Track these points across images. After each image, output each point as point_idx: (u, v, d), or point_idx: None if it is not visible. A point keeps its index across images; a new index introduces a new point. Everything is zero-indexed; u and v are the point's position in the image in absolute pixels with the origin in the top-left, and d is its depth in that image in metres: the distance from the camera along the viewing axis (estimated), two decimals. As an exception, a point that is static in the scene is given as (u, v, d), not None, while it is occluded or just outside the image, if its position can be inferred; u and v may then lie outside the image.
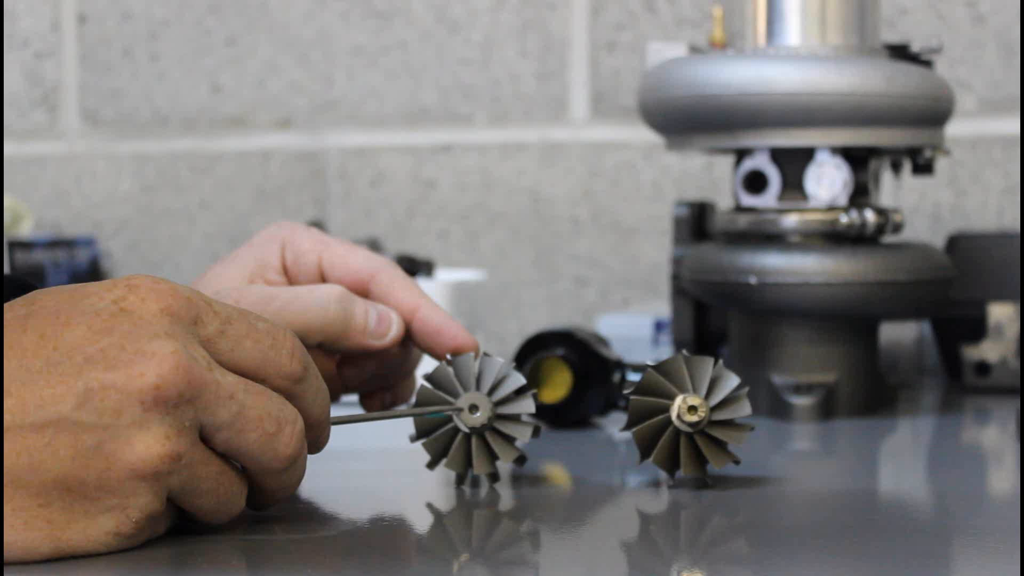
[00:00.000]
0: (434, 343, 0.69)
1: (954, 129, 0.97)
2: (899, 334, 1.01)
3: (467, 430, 0.62)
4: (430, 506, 0.62)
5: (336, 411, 0.59)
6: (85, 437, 0.49)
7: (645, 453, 0.63)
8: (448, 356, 0.64)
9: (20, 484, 0.48)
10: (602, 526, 0.59)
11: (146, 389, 0.49)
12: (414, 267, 1.04)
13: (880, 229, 0.87)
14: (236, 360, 0.52)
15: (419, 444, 0.64)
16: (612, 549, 0.55)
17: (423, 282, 0.99)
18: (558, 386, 0.80)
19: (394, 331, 0.69)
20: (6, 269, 1.19)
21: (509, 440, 0.63)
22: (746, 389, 0.63)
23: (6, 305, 0.51)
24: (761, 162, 0.88)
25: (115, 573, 0.48)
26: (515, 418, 0.63)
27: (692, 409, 0.62)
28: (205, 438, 0.51)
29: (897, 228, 0.89)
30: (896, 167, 0.93)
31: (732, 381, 0.63)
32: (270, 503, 0.55)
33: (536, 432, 0.63)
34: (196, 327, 0.52)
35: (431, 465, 0.63)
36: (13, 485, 0.48)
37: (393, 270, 0.71)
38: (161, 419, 0.49)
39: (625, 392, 0.64)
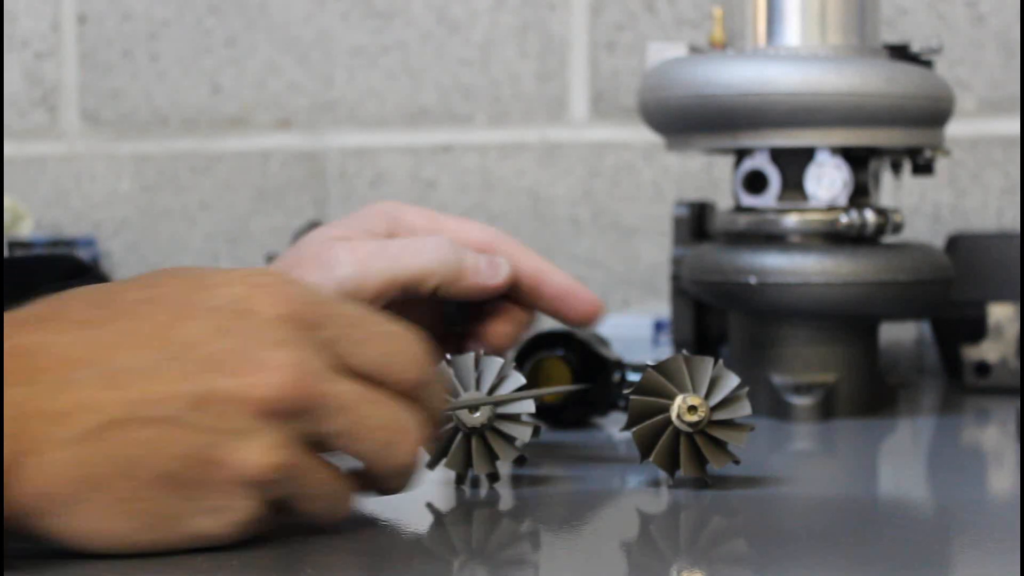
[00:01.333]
0: (564, 306, 0.71)
1: (954, 129, 0.97)
2: (899, 334, 1.02)
3: (467, 430, 0.62)
4: (430, 506, 0.62)
5: None
6: (195, 439, 0.48)
7: (645, 453, 0.63)
8: (447, 356, 0.64)
9: (127, 476, 0.48)
10: (602, 526, 0.59)
11: (259, 401, 0.49)
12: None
13: (880, 229, 0.87)
14: (356, 364, 0.52)
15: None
16: (612, 549, 0.55)
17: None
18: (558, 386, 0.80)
19: (505, 269, 0.70)
20: (6, 269, 1.19)
21: (509, 440, 0.63)
22: (746, 389, 0.63)
23: (132, 283, 0.51)
24: (761, 162, 0.88)
25: (114, 573, 0.48)
26: (515, 418, 0.63)
27: (692, 409, 0.62)
28: (318, 445, 0.51)
29: (897, 228, 0.89)
30: (896, 167, 0.93)
31: (732, 381, 0.63)
32: (378, 496, 0.56)
33: (536, 432, 0.63)
34: (316, 331, 0.51)
35: (431, 465, 0.63)
36: (120, 476, 0.48)
37: (510, 239, 0.72)
38: (270, 429, 0.49)
39: (625, 392, 0.64)
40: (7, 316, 0.49)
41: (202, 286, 0.51)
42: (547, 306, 0.71)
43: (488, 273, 0.69)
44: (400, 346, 0.53)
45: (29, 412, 0.47)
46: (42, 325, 0.49)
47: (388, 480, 0.54)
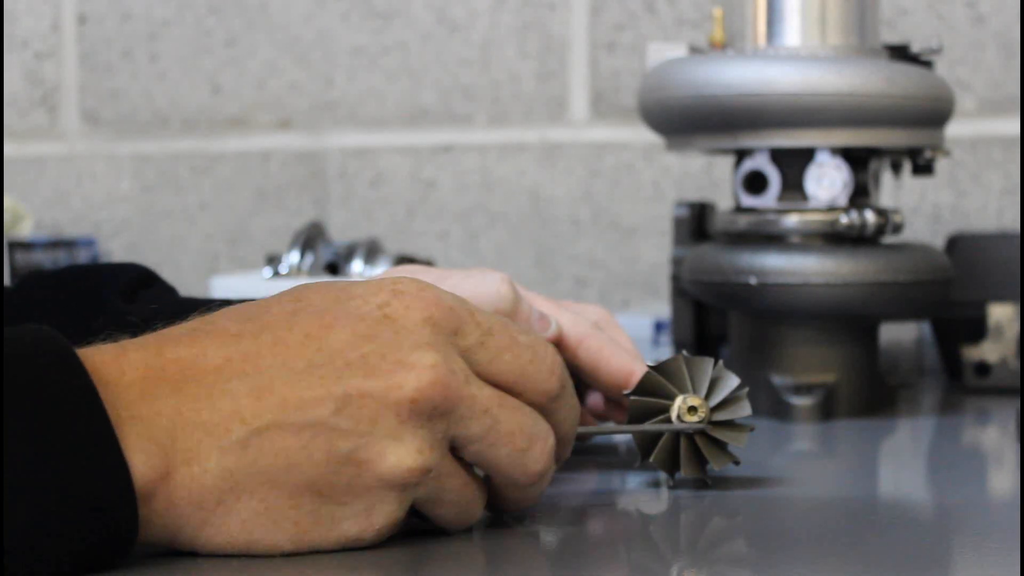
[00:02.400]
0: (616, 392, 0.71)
1: (954, 129, 0.97)
2: (899, 334, 1.01)
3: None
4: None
5: None
6: (340, 443, 0.49)
7: (645, 453, 0.63)
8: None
9: (275, 484, 0.49)
10: (602, 526, 0.59)
11: (403, 401, 0.49)
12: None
13: (880, 230, 0.87)
14: (494, 372, 0.52)
15: None
16: (612, 549, 0.55)
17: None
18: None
19: (554, 328, 0.70)
20: (6, 270, 1.19)
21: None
22: (746, 389, 0.63)
23: (275, 298, 0.52)
24: (761, 162, 0.88)
25: (113, 571, 0.48)
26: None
27: (692, 410, 0.62)
28: (455, 449, 0.52)
29: (897, 228, 0.89)
30: (896, 167, 0.93)
31: (732, 381, 0.63)
32: (508, 511, 0.56)
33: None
34: (457, 337, 0.52)
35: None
36: (268, 484, 0.49)
37: (616, 323, 0.74)
38: (415, 431, 0.50)
39: (625, 392, 0.64)
40: (160, 335, 0.51)
41: (345, 296, 0.52)
42: (601, 389, 0.72)
43: (538, 325, 0.70)
44: (537, 357, 0.53)
45: (180, 423, 0.48)
46: (197, 339, 0.50)
47: (519, 489, 0.54)
